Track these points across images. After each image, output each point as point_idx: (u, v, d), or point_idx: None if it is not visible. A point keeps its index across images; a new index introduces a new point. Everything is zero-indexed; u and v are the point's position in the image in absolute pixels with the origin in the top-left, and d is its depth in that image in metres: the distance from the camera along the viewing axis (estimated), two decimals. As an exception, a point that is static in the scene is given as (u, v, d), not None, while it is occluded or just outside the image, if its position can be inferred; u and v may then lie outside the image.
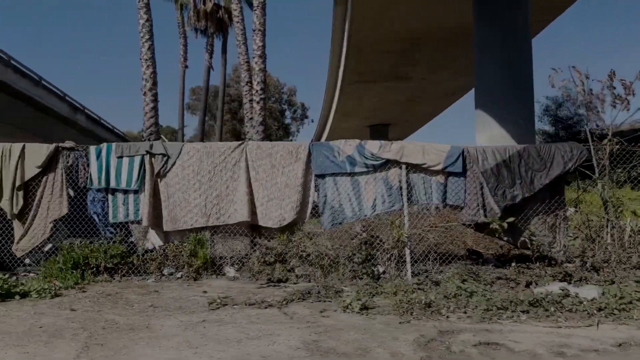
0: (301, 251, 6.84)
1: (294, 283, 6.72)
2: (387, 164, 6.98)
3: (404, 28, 19.16)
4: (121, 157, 7.21)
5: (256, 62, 15.87)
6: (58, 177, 7.20)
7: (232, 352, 4.01)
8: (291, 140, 59.30)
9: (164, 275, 7.04)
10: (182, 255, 6.98)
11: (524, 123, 14.53)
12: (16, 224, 7.21)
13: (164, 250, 7.30)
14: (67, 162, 7.25)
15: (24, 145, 7.22)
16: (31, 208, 7.17)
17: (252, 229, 7.32)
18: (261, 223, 7.04)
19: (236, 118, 58.23)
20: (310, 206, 7.06)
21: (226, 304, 5.60)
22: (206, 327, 4.74)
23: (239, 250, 7.64)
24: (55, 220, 7.17)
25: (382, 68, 24.97)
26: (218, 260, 7.16)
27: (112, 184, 7.18)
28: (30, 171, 7.16)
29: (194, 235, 7.00)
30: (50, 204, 7.14)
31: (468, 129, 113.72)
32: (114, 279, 6.96)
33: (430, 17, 18.05)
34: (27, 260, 7.14)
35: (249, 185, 7.02)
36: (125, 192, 7.22)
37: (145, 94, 15.95)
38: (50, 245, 7.17)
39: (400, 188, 6.89)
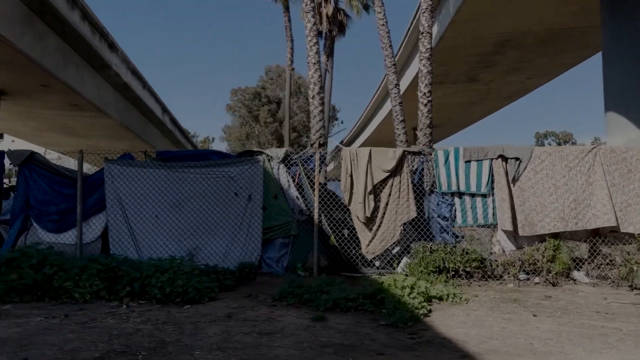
0: (668, 257, 6.78)
1: (663, 290, 6.68)
2: None
3: (501, 30, 19.09)
4: (469, 161, 7.29)
5: (424, 65, 15.90)
6: (404, 180, 7.34)
7: None
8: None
9: (519, 280, 7.08)
10: (539, 261, 6.99)
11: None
12: (360, 227, 7.36)
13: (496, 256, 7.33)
14: (412, 166, 7.36)
15: (370, 150, 7.36)
16: (378, 211, 7.29)
17: (591, 233, 7.32)
18: (622, 229, 7.03)
19: (277, 120, 58.64)
20: (669, 212, 7.02)
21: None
22: None
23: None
24: (404, 224, 7.28)
25: (458, 70, 24.83)
26: (572, 265, 7.16)
27: (462, 188, 7.28)
28: (379, 175, 7.29)
29: (553, 240, 7.02)
30: (398, 208, 7.28)
31: (493, 132, 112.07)
32: (471, 283, 7.03)
33: (534, 18, 17.95)
34: (377, 263, 7.28)
35: (608, 190, 7.01)
36: (472, 195, 7.29)
37: (313, 97, 16.14)
38: (398, 248, 7.30)
39: None
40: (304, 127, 61.27)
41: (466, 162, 7.35)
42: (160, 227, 7.43)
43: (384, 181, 7.39)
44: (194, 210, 7.45)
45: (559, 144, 75.05)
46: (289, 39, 28.34)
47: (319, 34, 24.39)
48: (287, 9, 27.94)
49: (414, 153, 7.50)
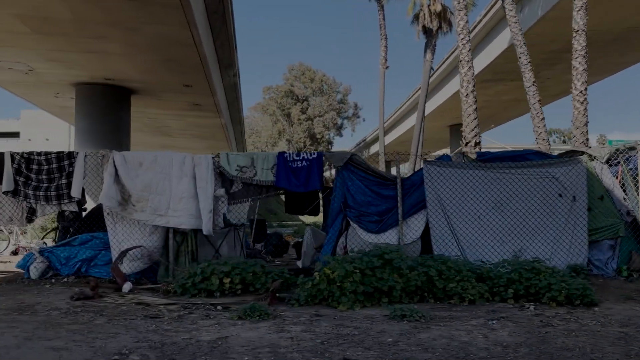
0: None
1: None
2: None
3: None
4: None
5: (580, 62, 15.77)
6: None
7: None
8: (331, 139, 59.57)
9: None
10: None
11: None
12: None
13: None
14: None
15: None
16: None
17: None
18: None
19: (308, 117, 58.72)
20: None
21: None
22: None
23: None
24: None
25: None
26: None
27: None
28: None
29: None
30: None
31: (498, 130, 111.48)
32: None
33: (618, 16, 17.76)
34: None
35: None
36: None
37: (467, 95, 16.14)
38: None
39: None
40: (334, 125, 61.50)
41: None
42: (482, 228, 7.44)
43: None
44: (516, 211, 7.44)
45: (564, 142, 73.79)
46: (383, 37, 28.39)
47: (425, 30, 24.33)
48: (382, 7, 27.99)
49: None
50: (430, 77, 24.45)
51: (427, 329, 4.99)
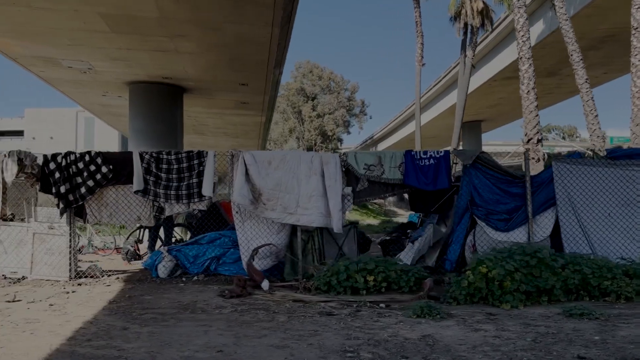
0: None
1: None
2: None
3: (612, 25, 18.76)
4: None
5: (639, 60, 15.66)
6: None
7: None
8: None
9: None
10: None
11: None
12: None
13: None
14: None
15: None
16: None
17: None
18: None
19: (319, 115, 58.70)
20: None
21: None
22: None
23: None
24: None
25: (545, 65, 24.34)
26: None
27: None
28: None
29: None
30: None
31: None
32: None
33: None
34: None
35: None
36: None
37: (528, 92, 16.12)
38: None
39: None
40: (344, 122, 61.50)
41: None
42: (612, 225, 7.42)
43: None
44: (647, 208, 7.43)
45: (564, 138, 73.45)
46: (420, 35, 28.29)
47: (466, 28, 24.25)
48: (418, 4, 27.89)
49: None
50: (470, 75, 24.33)
51: (616, 327, 4.98)
